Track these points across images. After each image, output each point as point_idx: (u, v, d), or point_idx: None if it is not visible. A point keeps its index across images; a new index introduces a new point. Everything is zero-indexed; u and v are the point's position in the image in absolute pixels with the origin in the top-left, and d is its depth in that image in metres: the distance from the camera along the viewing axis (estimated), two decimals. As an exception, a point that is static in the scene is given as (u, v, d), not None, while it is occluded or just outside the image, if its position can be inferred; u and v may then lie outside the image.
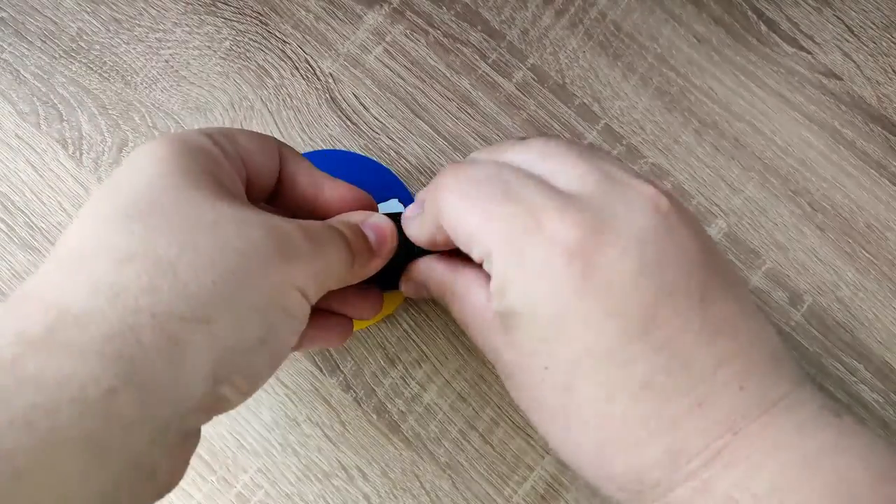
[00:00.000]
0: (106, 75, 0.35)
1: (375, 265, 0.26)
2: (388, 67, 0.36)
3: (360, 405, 0.33)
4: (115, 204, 0.20)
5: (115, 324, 0.19)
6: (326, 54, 0.36)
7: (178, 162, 0.21)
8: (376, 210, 0.28)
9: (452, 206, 0.22)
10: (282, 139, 0.35)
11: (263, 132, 0.35)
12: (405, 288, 0.28)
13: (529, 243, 0.21)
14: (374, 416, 0.33)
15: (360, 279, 0.26)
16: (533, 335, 0.21)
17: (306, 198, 0.26)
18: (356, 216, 0.26)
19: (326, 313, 0.27)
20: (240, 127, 0.34)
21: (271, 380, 0.33)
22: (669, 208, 0.21)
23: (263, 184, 0.25)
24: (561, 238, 0.20)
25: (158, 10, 0.35)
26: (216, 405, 0.22)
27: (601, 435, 0.21)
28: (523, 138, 0.26)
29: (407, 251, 0.27)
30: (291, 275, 0.22)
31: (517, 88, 0.36)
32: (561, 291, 0.20)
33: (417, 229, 0.26)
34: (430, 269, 0.26)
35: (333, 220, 0.25)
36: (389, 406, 0.33)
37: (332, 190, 0.27)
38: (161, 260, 0.19)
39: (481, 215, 0.22)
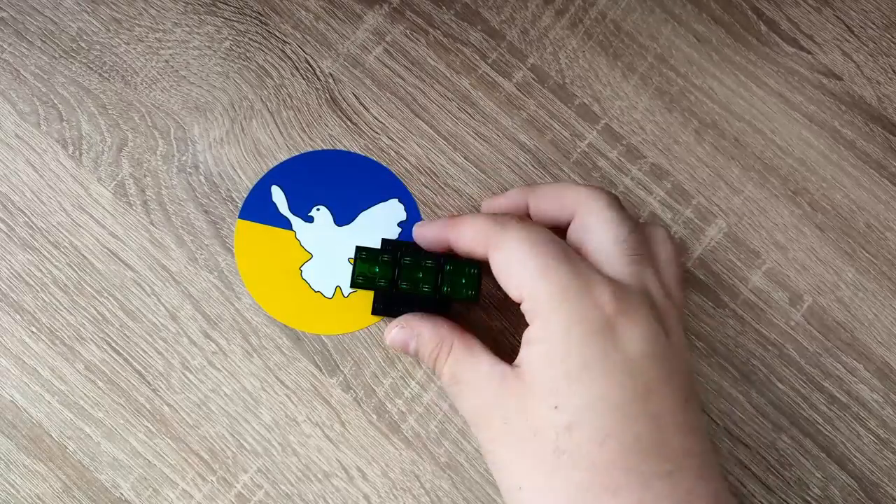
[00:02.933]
0: (106, 75, 0.35)
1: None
2: (388, 67, 0.36)
3: (360, 405, 0.33)
4: None
5: None
6: (326, 54, 0.36)
7: None
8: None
9: (518, 253, 0.27)
10: (282, 139, 0.35)
11: (263, 132, 0.35)
12: (390, 338, 0.31)
13: (579, 300, 0.25)
14: (374, 416, 0.33)
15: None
16: (558, 372, 0.25)
17: None
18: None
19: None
20: (240, 127, 0.35)
21: (271, 379, 0.33)
22: (681, 331, 0.27)
23: None
24: (604, 303, 0.25)
25: (158, 10, 0.35)
26: None
27: (586, 477, 0.24)
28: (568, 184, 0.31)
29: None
30: None
31: (517, 88, 0.36)
32: (596, 342, 0.25)
33: (446, 232, 0.30)
34: (426, 324, 0.30)
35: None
36: (389, 406, 0.33)
37: None
38: None
39: (542, 267, 0.26)
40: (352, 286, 0.30)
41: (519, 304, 0.27)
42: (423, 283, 0.29)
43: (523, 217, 0.29)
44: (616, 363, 0.25)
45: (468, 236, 0.29)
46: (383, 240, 0.33)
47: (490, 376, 0.27)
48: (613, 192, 0.33)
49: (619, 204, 0.29)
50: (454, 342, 0.29)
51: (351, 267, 0.33)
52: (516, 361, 0.27)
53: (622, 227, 0.28)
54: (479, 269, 0.29)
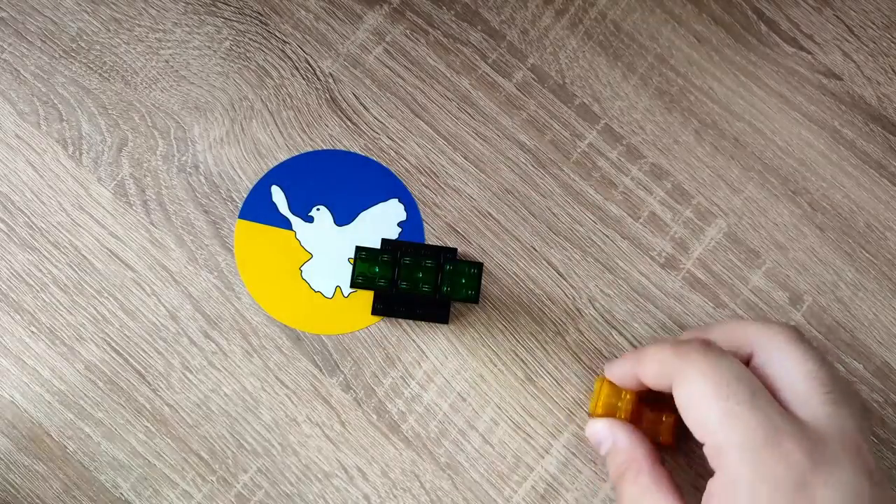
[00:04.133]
0: (106, 75, 0.35)
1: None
2: (388, 67, 0.36)
3: (360, 405, 0.33)
4: None
5: None
6: (326, 54, 0.36)
7: None
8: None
9: (701, 391, 0.24)
10: (282, 139, 0.35)
11: (263, 132, 0.35)
12: (590, 431, 0.30)
13: (768, 454, 0.23)
14: (374, 416, 0.33)
15: None
16: None
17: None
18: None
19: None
20: (240, 127, 0.34)
21: (271, 379, 0.33)
22: (876, 471, 0.24)
23: None
24: (795, 460, 0.23)
25: (158, 10, 0.35)
26: None
27: None
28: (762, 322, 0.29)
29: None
30: None
31: (517, 88, 0.36)
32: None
33: (634, 367, 0.28)
34: (625, 434, 0.28)
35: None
36: (389, 406, 0.33)
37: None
38: None
39: (727, 412, 0.24)
40: (352, 286, 0.30)
41: (700, 444, 0.25)
42: (423, 283, 0.29)
43: (708, 344, 0.26)
44: None
45: (652, 371, 0.27)
46: (383, 240, 0.33)
47: None
48: (793, 325, 0.31)
49: (804, 337, 0.27)
50: (646, 467, 0.27)
51: (351, 267, 0.33)
52: None
53: (811, 362, 0.26)
54: (479, 268, 0.29)
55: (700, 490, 0.25)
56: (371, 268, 0.29)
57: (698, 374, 0.25)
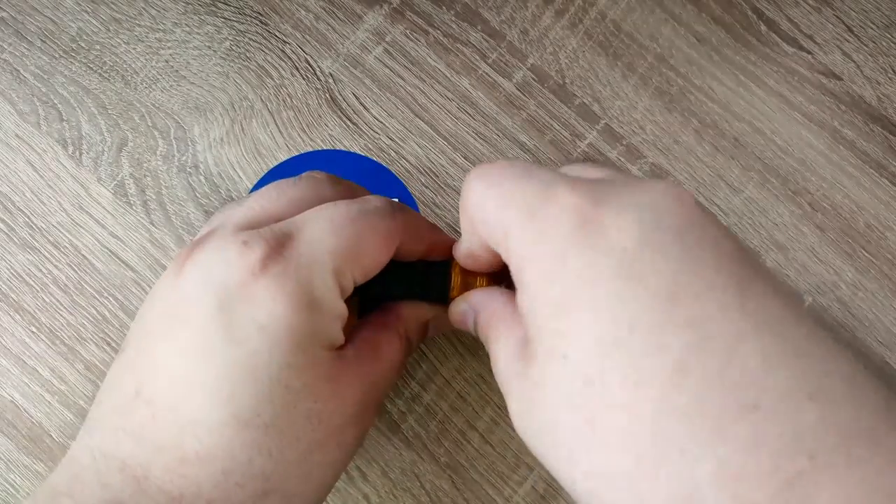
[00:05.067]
0: (106, 75, 0.35)
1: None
2: (388, 67, 0.36)
3: (360, 405, 0.33)
4: (240, 398, 0.21)
5: None
6: (326, 54, 0.36)
7: (305, 350, 0.22)
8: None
9: (476, 193, 0.21)
10: (282, 139, 0.35)
11: (263, 132, 0.35)
12: (452, 311, 0.26)
13: (543, 213, 0.19)
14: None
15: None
16: (548, 310, 0.19)
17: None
18: (425, 312, 0.28)
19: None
20: (240, 127, 0.35)
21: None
22: (691, 198, 0.19)
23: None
24: (571, 203, 0.19)
25: (158, 10, 0.35)
26: None
27: (643, 444, 0.17)
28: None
29: (407, 276, 0.27)
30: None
31: (517, 88, 0.36)
32: (575, 252, 0.18)
33: (460, 242, 0.26)
34: (484, 302, 0.24)
35: (401, 323, 0.27)
36: (389, 406, 0.33)
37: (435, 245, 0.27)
38: (269, 482, 0.22)
39: (500, 197, 0.20)
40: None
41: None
42: (407, 283, 0.27)
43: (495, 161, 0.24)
44: (611, 268, 0.18)
45: (463, 234, 0.24)
46: None
47: (515, 359, 0.21)
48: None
49: None
50: (504, 314, 0.22)
51: None
52: None
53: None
54: (447, 267, 0.27)
55: None
56: None
57: (474, 180, 0.22)
